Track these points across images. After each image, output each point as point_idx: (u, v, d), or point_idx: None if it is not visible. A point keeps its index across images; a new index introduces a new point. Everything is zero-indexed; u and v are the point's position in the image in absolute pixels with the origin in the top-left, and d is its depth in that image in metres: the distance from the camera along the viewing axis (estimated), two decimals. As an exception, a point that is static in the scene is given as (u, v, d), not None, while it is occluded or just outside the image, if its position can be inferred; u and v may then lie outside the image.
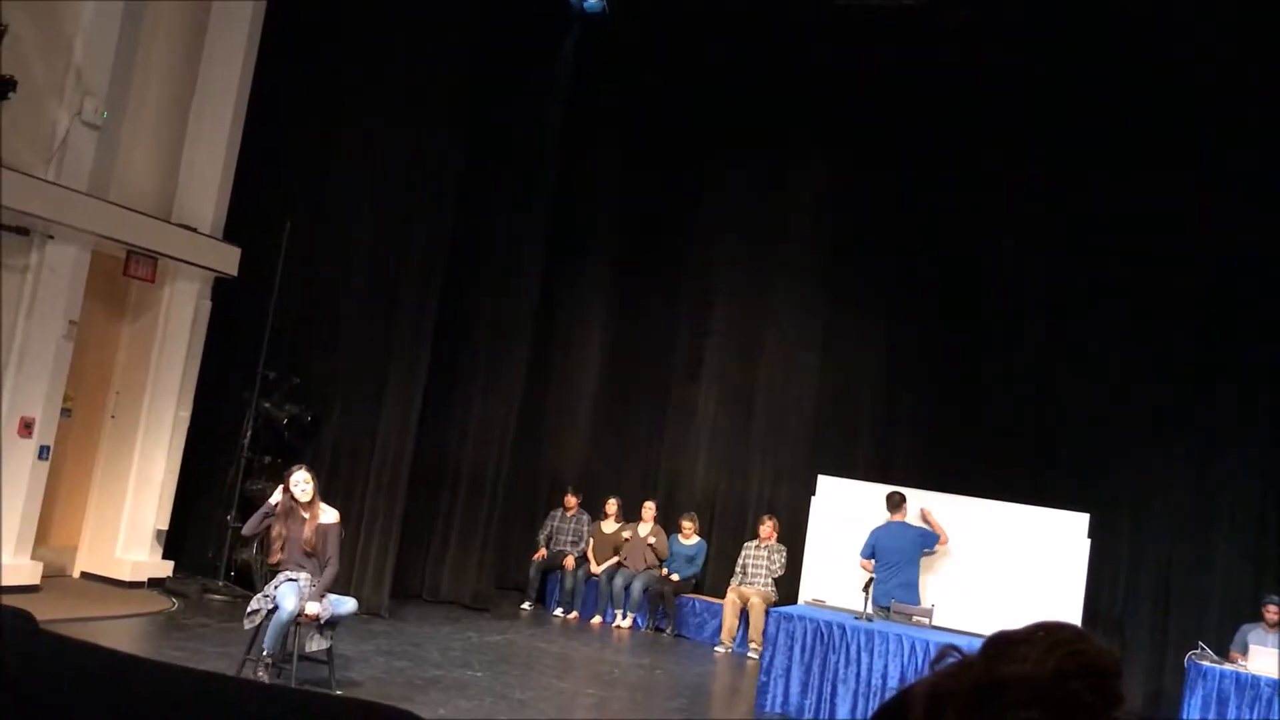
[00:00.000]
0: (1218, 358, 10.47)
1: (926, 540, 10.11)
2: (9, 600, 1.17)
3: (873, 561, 9.99)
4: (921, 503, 10.33)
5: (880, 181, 11.99)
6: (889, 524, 10.13)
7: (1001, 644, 0.98)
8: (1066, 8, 10.56)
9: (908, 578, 9.85)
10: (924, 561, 10.12)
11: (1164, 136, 10.61)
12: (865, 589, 8.87)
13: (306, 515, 7.14)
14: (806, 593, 10.51)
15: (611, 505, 12.25)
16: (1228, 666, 8.67)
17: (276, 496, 7.13)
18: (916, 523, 10.24)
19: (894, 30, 11.20)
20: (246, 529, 7.41)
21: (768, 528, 11.47)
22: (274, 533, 7.08)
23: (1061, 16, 10.61)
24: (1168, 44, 10.29)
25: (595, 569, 12.00)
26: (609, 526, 12.22)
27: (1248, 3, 9.76)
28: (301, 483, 7.13)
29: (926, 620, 9.14)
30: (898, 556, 9.90)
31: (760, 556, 11.45)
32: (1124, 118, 10.81)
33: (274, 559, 7.10)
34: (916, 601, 9.72)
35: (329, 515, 7.22)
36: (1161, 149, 10.61)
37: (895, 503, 10.21)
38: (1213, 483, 10.42)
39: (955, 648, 1.02)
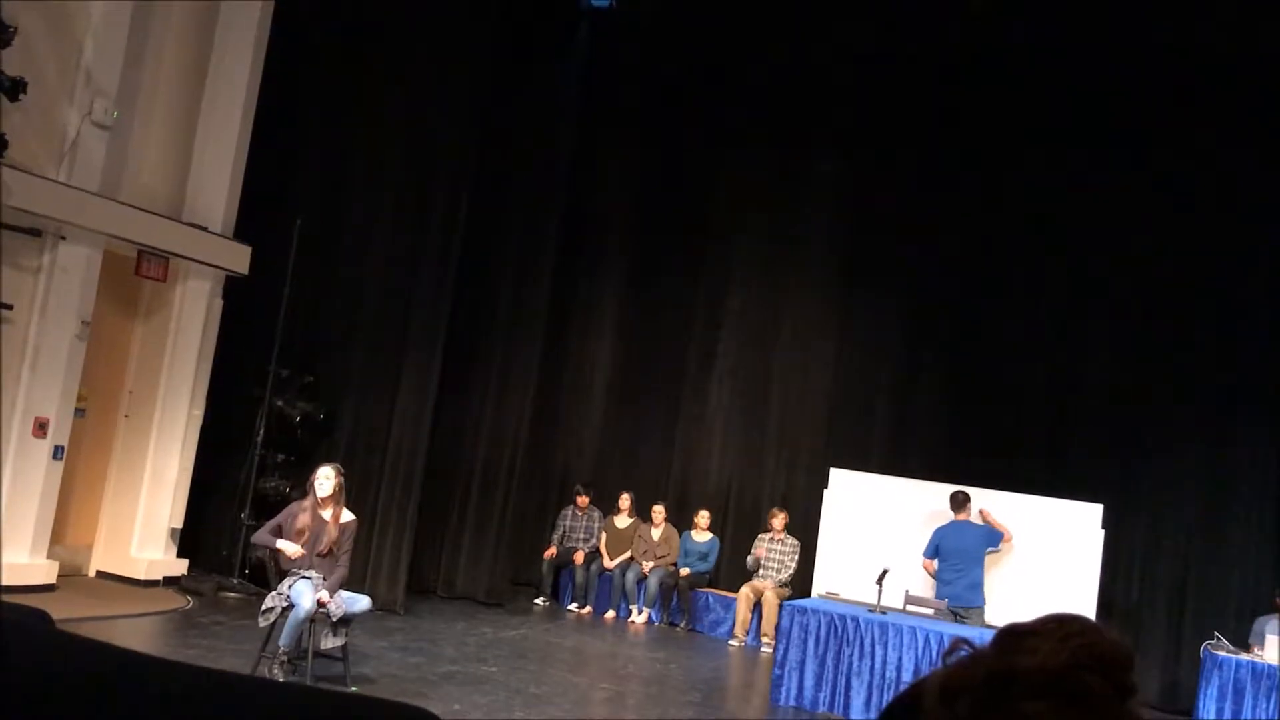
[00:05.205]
0: (1236, 348, 10.40)
1: (992, 539, 9.85)
2: (25, 599, 1.18)
3: (934, 562, 9.80)
4: (942, 495, 10.18)
5: (896, 172, 11.93)
6: (953, 523, 9.84)
7: (1014, 636, 0.98)
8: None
9: (974, 579, 9.62)
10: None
11: (1184, 124, 10.54)
12: (879, 581, 8.78)
13: (327, 515, 7.11)
14: (820, 586, 10.48)
15: (625, 500, 12.24)
16: (1244, 656, 8.63)
17: (292, 548, 6.96)
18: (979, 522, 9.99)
19: (908, 17, 11.15)
20: (256, 538, 7.35)
21: (779, 520, 11.46)
22: (299, 524, 7.02)
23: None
24: (1191, 25, 10.20)
25: (609, 564, 12.00)
26: (622, 521, 12.21)
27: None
28: (321, 477, 7.13)
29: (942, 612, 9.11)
30: (964, 557, 9.64)
31: (774, 550, 11.44)
32: (1142, 107, 10.74)
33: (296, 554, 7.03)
34: (982, 602, 9.57)
35: (348, 515, 7.23)
36: (1181, 137, 10.55)
37: (959, 502, 9.89)
38: (1229, 473, 10.36)
39: (967, 640, 1.02)
